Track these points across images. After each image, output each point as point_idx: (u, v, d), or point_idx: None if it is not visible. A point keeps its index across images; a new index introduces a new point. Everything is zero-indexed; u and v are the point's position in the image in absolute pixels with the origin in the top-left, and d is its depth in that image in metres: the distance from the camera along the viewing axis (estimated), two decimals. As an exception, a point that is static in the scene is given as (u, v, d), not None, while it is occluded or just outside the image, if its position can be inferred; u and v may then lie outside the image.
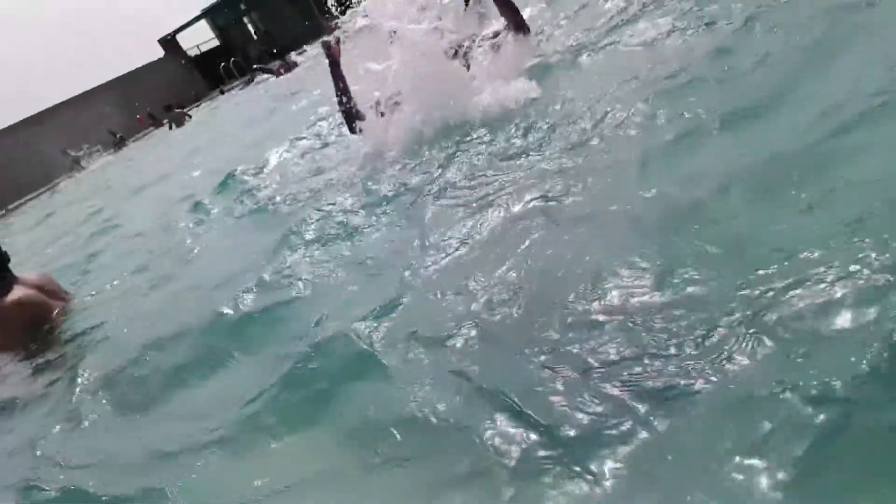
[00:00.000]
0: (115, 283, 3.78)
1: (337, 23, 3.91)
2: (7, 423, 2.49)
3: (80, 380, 2.46)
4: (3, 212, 19.63)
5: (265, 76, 15.51)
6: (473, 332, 1.62)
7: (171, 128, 17.17)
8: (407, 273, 2.10)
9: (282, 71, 14.41)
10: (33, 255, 7.04)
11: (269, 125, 7.70)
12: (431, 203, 2.60)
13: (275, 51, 17.33)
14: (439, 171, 2.88)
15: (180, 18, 29.92)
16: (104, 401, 2.25)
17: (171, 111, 17.71)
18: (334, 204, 3.13)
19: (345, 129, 3.94)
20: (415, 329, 1.75)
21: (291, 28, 26.05)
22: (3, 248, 3.14)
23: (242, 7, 28.07)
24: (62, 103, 26.00)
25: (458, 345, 1.60)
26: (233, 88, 21.14)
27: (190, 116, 17.32)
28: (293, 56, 15.80)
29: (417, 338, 1.71)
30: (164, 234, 4.50)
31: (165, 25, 30.12)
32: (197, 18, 29.51)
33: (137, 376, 2.33)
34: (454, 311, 1.76)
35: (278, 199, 3.76)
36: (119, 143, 19.65)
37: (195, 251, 3.72)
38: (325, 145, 4.61)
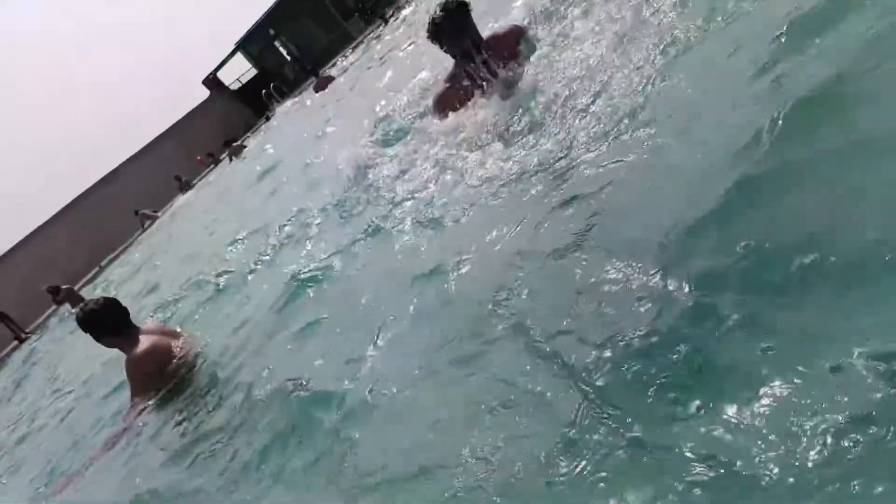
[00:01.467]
0: (215, 321, 4.09)
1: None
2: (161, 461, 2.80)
3: (214, 415, 2.75)
4: (97, 269, 21.20)
5: (296, 98, 15.88)
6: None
7: (230, 160, 17.91)
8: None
9: (317, 84, 14.78)
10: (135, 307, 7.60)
11: (321, 143, 7.96)
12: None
13: (309, 68, 17.75)
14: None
15: (218, 56, 31.01)
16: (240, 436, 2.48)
17: (230, 145, 18.49)
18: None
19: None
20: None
21: (320, 41, 26.63)
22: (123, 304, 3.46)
23: (271, 32, 28.86)
24: (128, 160, 27.73)
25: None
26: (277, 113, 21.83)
27: (245, 146, 18.04)
28: (327, 70, 16.14)
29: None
30: (242, 275, 4.79)
31: (206, 66, 31.32)
32: (233, 53, 30.57)
33: (259, 400, 2.57)
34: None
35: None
36: (185, 187, 20.73)
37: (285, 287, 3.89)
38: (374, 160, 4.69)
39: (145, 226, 19.83)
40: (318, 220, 4.49)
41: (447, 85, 3.60)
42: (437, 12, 3.39)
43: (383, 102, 6.08)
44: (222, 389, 2.93)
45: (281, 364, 2.79)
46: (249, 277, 4.65)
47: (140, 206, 19.91)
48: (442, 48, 3.52)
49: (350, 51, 18.94)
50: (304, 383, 2.43)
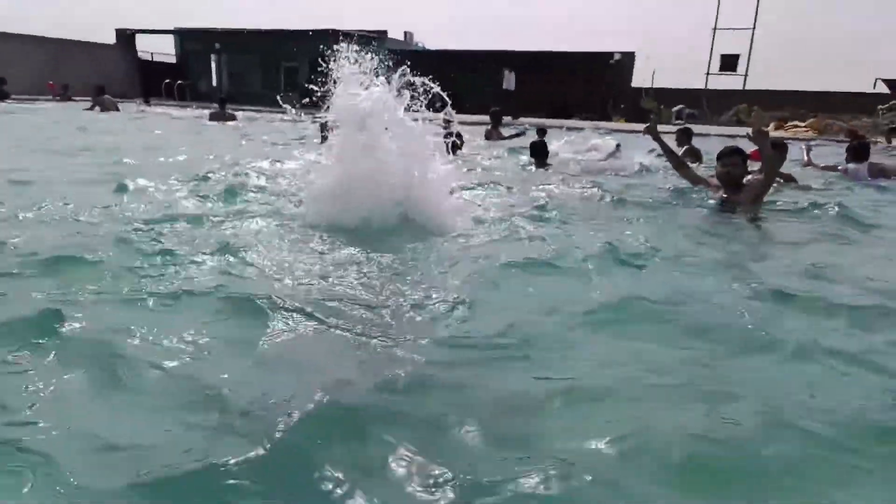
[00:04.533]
0: None
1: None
2: None
3: None
4: None
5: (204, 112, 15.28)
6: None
7: (93, 108, 16.26)
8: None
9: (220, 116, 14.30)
10: None
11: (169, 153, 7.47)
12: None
13: (221, 96, 17.28)
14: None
15: (147, 23, 29.45)
16: None
17: (103, 94, 16.75)
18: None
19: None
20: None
21: (250, 87, 26.41)
22: None
23: (216, 46, 28.29)
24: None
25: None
26: (159, 107, 20.50)
27: (119, 110, 16.53)
28: (234, 111, 15.77)
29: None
30: None
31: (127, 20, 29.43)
32: (167, 32, 29.31)
33: None
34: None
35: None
36: (63, 94, 18.24)
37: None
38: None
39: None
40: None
41: None
42: None
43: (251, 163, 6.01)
44: None
45: None
46: None
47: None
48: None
49: (268, 113, 18.80)
50: None
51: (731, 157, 4.65)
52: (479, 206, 4.62)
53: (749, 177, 4.74)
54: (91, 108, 16.36)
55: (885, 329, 2.34)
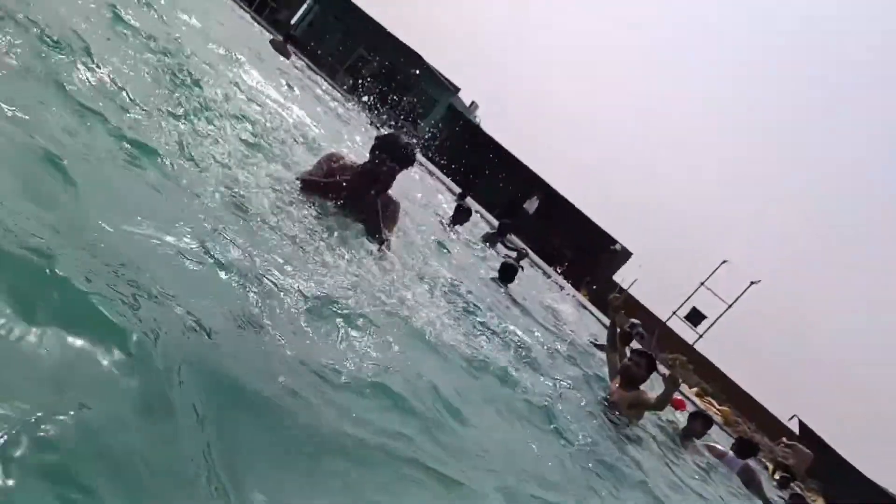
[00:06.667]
0: None
1: None
2: None
3: None
4: None
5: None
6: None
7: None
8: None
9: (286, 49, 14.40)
10: None
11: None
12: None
13: (289, 32, 17.43)
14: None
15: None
16: None
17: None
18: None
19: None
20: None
21: (320, 48, 26.64)
22: None
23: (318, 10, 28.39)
24: None
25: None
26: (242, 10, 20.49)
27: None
28: (293, 52, 15.89)
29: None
30: None
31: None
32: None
33: None
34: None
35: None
36: None
37: None
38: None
39: None
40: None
41: (352, 169, 3.45)
42: (409, 148, 3.43)
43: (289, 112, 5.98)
44: None
45: None
46: None
47: None
48: (377, 157, 3.39)
49: (326, 76, 18.93)
50: None
51: (639, 357, 4.96)
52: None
53: (644, 387, 4.95)
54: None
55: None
